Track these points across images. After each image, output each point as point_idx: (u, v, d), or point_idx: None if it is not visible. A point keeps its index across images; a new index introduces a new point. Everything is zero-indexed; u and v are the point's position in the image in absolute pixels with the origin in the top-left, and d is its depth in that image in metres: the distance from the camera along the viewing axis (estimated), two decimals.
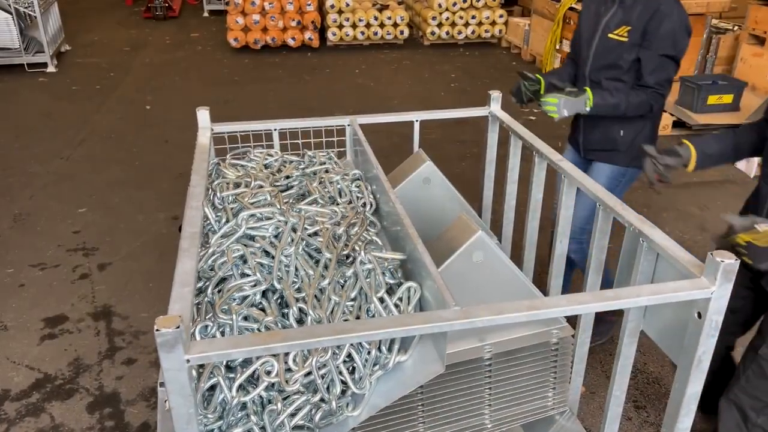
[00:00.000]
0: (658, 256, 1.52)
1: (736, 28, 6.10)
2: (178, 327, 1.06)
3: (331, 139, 2.40)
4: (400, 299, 1.43)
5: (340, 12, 7.77)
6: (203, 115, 2.19)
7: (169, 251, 3.47)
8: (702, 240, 3.66)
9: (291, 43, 7.73)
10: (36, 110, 5.76)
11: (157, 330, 1.06)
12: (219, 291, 1.47)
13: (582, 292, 1.25)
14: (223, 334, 1.36)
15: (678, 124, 5.22)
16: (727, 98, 5.19)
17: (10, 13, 6.53)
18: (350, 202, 1.90)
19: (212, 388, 1.30)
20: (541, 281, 2.09)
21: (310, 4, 7.66)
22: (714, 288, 1.28)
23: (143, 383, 2.60)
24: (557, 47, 6.47)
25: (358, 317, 1.39)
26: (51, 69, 6.83)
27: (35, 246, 3.60)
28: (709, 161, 1.96)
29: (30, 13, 6.65)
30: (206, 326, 1.36)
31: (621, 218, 1.61)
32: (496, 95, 2.43)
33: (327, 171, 2.12)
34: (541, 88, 2.49)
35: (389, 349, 1.35)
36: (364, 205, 1.90)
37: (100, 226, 3.83)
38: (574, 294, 1.26)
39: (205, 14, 9.85)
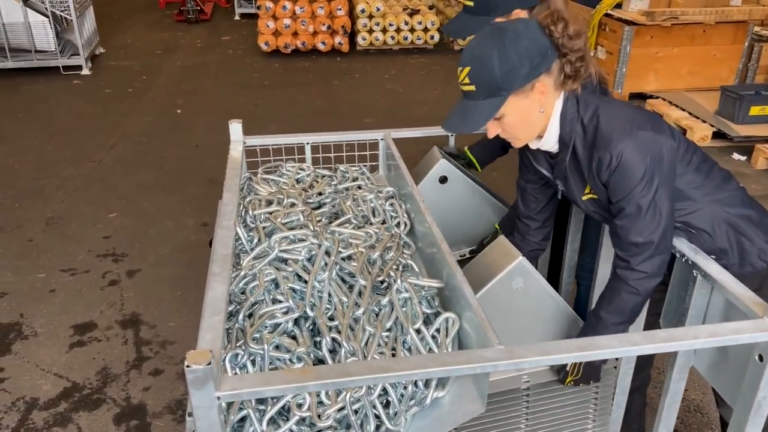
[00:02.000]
0: (712, 289, 1.44)
1: None
2: (209, 363, 1.02)
3: (363, 153, 2.34)
4: (438, 331, 1.37)
5: (370, 17, 7.73)
6: (236, 128, 2.15)
7: (198, 258, 3.46)
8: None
9: (321, 47, 7.72)
10: (70, 113, 5.84)
11: (188, 366, 1.02)
12: (250, 315, 1.43)
13: (633, 333, 1.18)
14: (253, 363, 1.31)
15: (718, 134, 5.06)
16: None
17: (47, 17, 6.63)
18: (384, 222, 1.84)
19: (242, 419, 1.26)
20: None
21: (340, 9, 7.63)
22: None
23: (170, 395, 2.58)
24: (592, 54, 6.33)
25: (393, 349, 1.33)
26: (85, 72, 6.93)
27: (66, 251, 3.62)
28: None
29: (66, 16, 6.75)
30: (237, 354, 1.31)
31: (672, 248, 1.52)
32: None
33: (360, 187, 2.07)
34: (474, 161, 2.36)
35: (426, 385, 1.29)
36: (399, 225, 1.84)
37: (130, 231, 3.84)
38: (624, 334, 1.18)
39: (237, 18, 9.91)
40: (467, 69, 1.46)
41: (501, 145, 2.30)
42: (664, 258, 1.49)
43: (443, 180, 2.12)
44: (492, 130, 1.54)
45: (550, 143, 1.57)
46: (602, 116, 1.48)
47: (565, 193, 1.68)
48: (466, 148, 2.35)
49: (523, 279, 1.59)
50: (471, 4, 1.91)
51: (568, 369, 1.60)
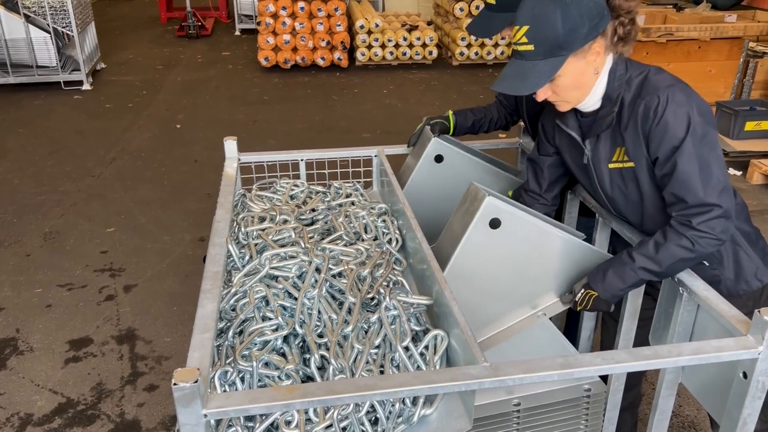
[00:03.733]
0: (698, 307, 1.45)
1: None
2: (196, 381, 1.03)
3: (358, 169, 2.37)
4: (426, 348, 1.38)
5: (369, 32, 7.81)
6: (231, 145, 2.18)
7: (194, 273, 3.47)
8: None
9: (320, 62, 7.79)
10: (70, 128, 5.88)
11: (175, 384, 1.03)
12: (240, 332, 1.44)
13: (618, 350, 1.19)
14: (243, 380, 1.32)
15: None
16: (766, 125, 5.03)
17: (49, 33, 6.71)
18: (376, 239, 1.86)
19: None
20: None
21: (339, 25, 7.71)
22: (761, 348, 1.20)
23: (164, 411, 2.58)
24: None
25: (382, 366, 1.34)
26: (86, 87, 6.99)
27: (63, 266, 3.63)
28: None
29: (68, 32, 6.82)
30: (226, 371, 1.32)
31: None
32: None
33: (353, 203, 2.09)
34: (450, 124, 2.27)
35: (413, 402, 1.29)
36: (390, 241, 1.86)
37: (128, 246, 3.86)
38: (610, 351, 1.19)
39: (237, 33, 10.00)
40: (525, 28, 1.42)
41: (473, 123, 2.27)
42: (727, 221, 1.40)
43: (439, 159, 2.09)
44: (542, 93, 1.51)
45: (592, 101, 1.54)
46: (651, 73, 1.48)
47: (590, 157, 1.62)
48: (450, 111, 2.26)
49: (500, 218, 1.57)
50: (493, 2, 1.91)
51: (577, 300, 1.59)
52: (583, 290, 1.59)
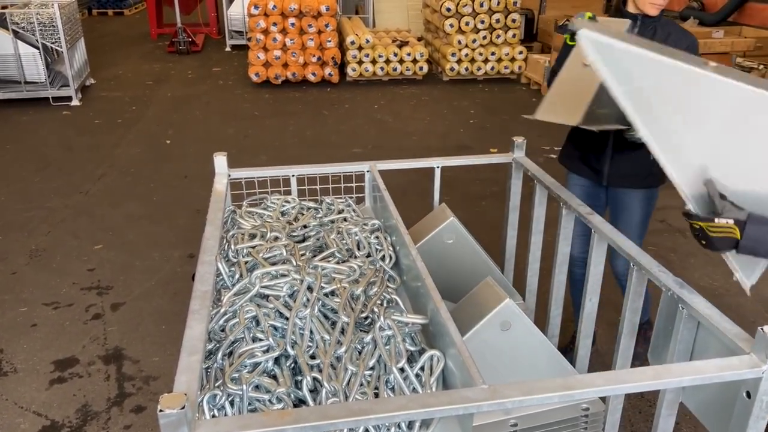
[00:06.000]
0: (699, 324, 1.42)
1: (761, 66, 6.00)
2: (183, 407, 0.98)
3: (350, 184, 2.34)
4: (422, 369, 1.34)
5: (360, 48, 7.83)
6: (220, 161, 2.14)
7: (183, 291, 3.41)
8: (734, 288, 3.52)
9: (311, 78, 7.78)
10: (58, 144, 5.82)
11: (161, 411, 0.99)
12: (230, 354, 1.40)
13: (618, 370, 1.15)
14: (232, 404, 1.27)
15: None
16: None
17: (38, 48, 6.66)
18: (369, 255, 1.83)
19: None
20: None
21: (330, 41, 7.72)
22: (765, 367, 1.17)
23: None
24: None
25: (376, 388, 1.30)
26: (75, 102, 6.93)
27: (50, 284, 3.56)
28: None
29: (57, 48, 6.78)
30: (215, 395, 1.28)
31: (657, 281, 1.51)
32: (519, 141, 2.35)
33: (345, 219, 2.06)
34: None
35: (409, 426, 1.25)
36: (383, 258, 1.82)
37: (115, 263, 3.79)
38: (609, 372, 1.16)
39: (228, 49, 10.00)
40: None
41: None
42: None
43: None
44: None
45: None
46: None
47: None
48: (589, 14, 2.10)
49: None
50: None
51: (715, 222, 1.31)
52: (729, 221, 1.31)
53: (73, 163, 5.35)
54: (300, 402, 1.31)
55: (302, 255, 1.74)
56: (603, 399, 1.70)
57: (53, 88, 6.88)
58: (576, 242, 2.32)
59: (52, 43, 6.70)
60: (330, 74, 7.80)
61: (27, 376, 2.84)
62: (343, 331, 1.41)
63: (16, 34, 6.55)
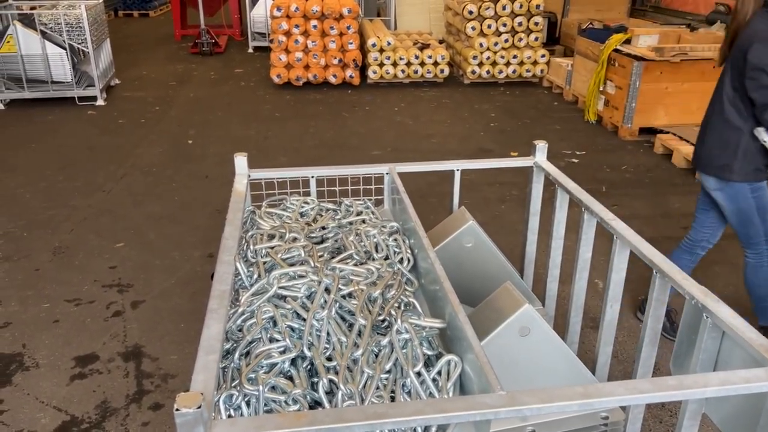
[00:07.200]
0: (723, 334, 1.39)
1: None
2: (199, 407, 0.99)
3: (369, 186, 2.33)
4: (439, 373, 1.33)
5: (381, 50, 7.83)
6: (241, 161, 2.15)
7: (202, 291, 3.43)
8: None
9: (332, 80, 7.81)
10: (82, 143, 5.91)
11: (177, 410, 0.99)
12: (247, 354, 1.40)
13: (640, 379, 1.13)
14: (248, 404, 1.27)
15: None
16: None
17: (65, 49, 6.78)
18: (387, 258, 1.82)
19: None
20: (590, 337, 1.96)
21: (351, 43, 7.74)
22: None
23: (169, 431, 2.53)
24: (601, 88, 6.35)
25: (392, 392, 1.29)
26: (100, 102, 7.04)
27: (72, 281, 3.61)
28: None
29: (83, 48, 6.89)
30: (231, 395, 1.28)
31: (681, 289, 1.48)
32: (541, 145, 2.33)
33: (364, 221, 2.05)
34: None
35: (425, 431, 1.24)
36: (401, 261, 1.81)
37: (136, 261, 3.83)
38: (631, 381, 1.14)
39: (250, 50, 10.08)
40: None
41: None
42: None
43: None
44: None
45: None
46: None
47: None
48: None
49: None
50: None
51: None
52: None
53: (96, 162, 5.43)
54: (315, 404, 1.31)
55: (320, 256, 1.74)
56: (623, 408, 1.67)
57: (79, 88, 6.99)
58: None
59: (79, 43, 6.81)
60: (351, 76, 7.82)
61: (48, 371, 2.89)
62: (360, 334, 1.41)
63: (43, 34, 6.67)
